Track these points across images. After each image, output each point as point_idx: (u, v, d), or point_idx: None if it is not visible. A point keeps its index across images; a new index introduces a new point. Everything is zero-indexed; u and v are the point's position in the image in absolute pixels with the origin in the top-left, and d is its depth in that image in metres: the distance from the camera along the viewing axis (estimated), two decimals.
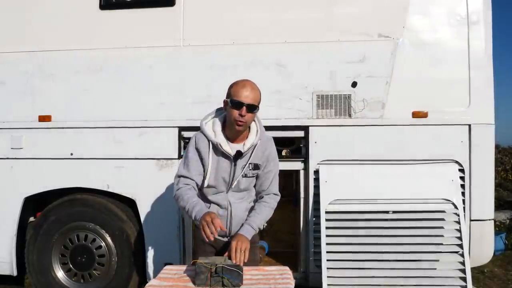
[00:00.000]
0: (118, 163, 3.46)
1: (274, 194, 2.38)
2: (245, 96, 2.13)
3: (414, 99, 3.25)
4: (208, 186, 2.28)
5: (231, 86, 2.22)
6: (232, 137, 2.25)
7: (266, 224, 4.16)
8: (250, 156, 2.25)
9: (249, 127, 2.28)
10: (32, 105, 3.55)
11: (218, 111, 2.33)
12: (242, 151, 2.22)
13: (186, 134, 3.34)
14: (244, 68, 3.32)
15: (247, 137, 2.26)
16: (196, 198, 2.20)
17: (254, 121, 2.28)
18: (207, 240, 2.02)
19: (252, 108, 2.16)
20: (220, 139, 2.22)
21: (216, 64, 3.36)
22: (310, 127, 3.32)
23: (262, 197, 2.37)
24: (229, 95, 2.19)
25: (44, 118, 3.53)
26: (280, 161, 3.27)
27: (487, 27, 3.25)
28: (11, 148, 3.56)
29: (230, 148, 2.22)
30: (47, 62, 3.54)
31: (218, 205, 2.31)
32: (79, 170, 3.50)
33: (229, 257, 2.12)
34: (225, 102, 2.22)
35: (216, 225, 1.99)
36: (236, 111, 2.13)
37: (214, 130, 2.24)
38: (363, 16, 3.30)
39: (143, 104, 3.44)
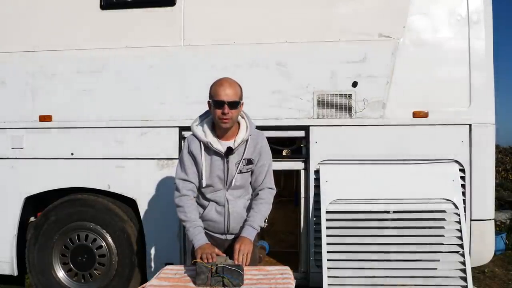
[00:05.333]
0: (119, 163, 3.46)
1: (268, 188, 2.40)
2: (225, 94, 2.18)
3: (415, 99, 3.25)
4: (206, 186, 2.32)
5: (210, 87, 2.27)
6: (222, 136, 2.30)
7: (267, 224, 4.18)
8: (244, 152, 2.30)
9: (239, 124, 2.32)
10: (33, 105, 3.55)
11: (207, 113, 2.38)
12: (233, 147, 2.26)
13: (186, 134, 3.33)
14: (245, 68, 3.32)
15: (237, 134, 2.31)
16: (198, 219, 2.30)
17: (243, 117, 2.34)
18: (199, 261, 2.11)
19: (235, 104, 2.20)
20: (210, 138, 2.28)
21: (216, 64, 3.35)
22: (310, 127, 3.31)
23: (258, 194, 2.39)
24: (210, 95, 2.25)
25: (44, 118, 3.53)
26: (280, 161, 3.33)
27: (487, 27, 3.24)
28: (12, 148, 3.57)
29: (221, 146, 2.27)
30: (47, 62, 3.54)
31: (216, 202, 2.36)
32: (79, 170, 3.50)
33: (232, 258, 2.13)
34: (208, 103, 2.28)
35: (214, 257, 2.11)
36: (219, 110, 2.19)
37: (204, 130, 2.31)
38: (363, 16, 3.30)
39: (144, 104, 3.44)
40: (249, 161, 2.33)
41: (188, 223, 2.27)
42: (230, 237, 2.38)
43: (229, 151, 2.26)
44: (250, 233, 2.27)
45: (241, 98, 2.25)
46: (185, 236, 3.44)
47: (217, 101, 2.18)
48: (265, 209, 2.36)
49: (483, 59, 3.23)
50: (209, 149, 2.29)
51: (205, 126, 2.31)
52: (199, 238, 2.24)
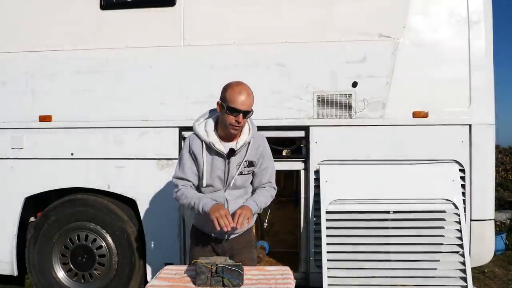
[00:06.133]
0: (119, 163, 3.46)
1: (274, 188, 2.44)
2: (242, 103, 2.15)
3: (415, 99, 3.25)
4: (206, 185, 2.32)
5: (225, 89, 2.23)
6: (224, 136, 2.29)
7: (267, 224, 4.19)
8: (245, 154, 2.30)
9: None
10: (33, 105, 3.55)
11: (211, 112, 2.37)
12: (235, 149, 2.26)
13: (186, 134, 3.33)
14: (244, 68, 3.32)
15: (239, 136, 2.30)
16: (198, 193, 2.30)
17: None
18: (219, 229, 2.11)
19: (248, 114, 2.20)
20: (212, 138, 2.27)
21: (216, 64, 3.36)
22: (310, 127, 3.31)
23: (264, 187, 2.40)
24: (224, 99, 2.20)
25: (44, 118, 3.53)
26: (280, 161, 3.33)
27: (487, 27, 3.24)
28: (12, 148, 3.56)
29: (223, 147, 2.27)
30: (47, 62, 3.54)
31: (216, 202, 2.33)
32: (79, 170, 3.50)
33: (231, 259, 2.12)
34: (219, 104, 2.25)
35: (230, 218, 2.11)
36: (232, 117, 2.17)
37: (207, 130, 2.29)
38: (363, 16, 3.30)
39: (144, 104, 3.44)
40: (251, 163, 2.33)
41: (192, 199, 2.25)
42: (228, 237, 2.38)
43: (231, 152, 2.26)
44: (252, 205, 2.26)
45: (252, 105, 2.23)
46: (185, 236, 3.44)
47: (233, 108, 2.15)
48: (267, 199, 2.37)
49: (483, 59, 3.23)
50: (210, 149, 2.28)
51: (208, 126, 2.30)
52: (205, 203, 2.20)
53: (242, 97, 2.15)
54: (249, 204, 2.27)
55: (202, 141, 2.29)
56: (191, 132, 2.37)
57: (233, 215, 2.17)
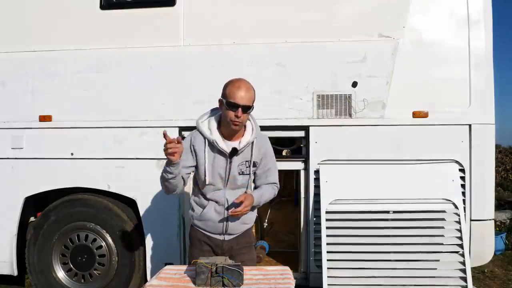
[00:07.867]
0: (119, 163, 3.46)
1: (277, 187, 2.48)
2: (241, 97, 2.16)
3: (415, 99, 3.25)
4: (208, 184, 2.31)
5: (226, 86, 2.24)
6: (227, 135, 2.29)
7: (266, 224, 4.18)
8: (250, 155, 2.30)
9: (245, 125, 2.32)
10: (33, 105, 3.55)
11: (214, 111, 2.37)
12: (238, 148, 2.25)
13: (186, 134, 3.33)
14: (244, 68, 3.32)
15: (242, 135, 2.31)
16: None
17: (249, 119, 2.33)
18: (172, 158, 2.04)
19: (247, 109, 2.20)
20: (215, 136, 2.27)
21: (216, 64, 3.36)
22: (310, 127, 3.32)
23: (270, 184, 2.44)
24: (224, 95, 2.22)
25: (44, 118, 3.53)
26: (280, 161, 3.32)
27: (487, 27, 3.24)
28: (12, 148, 3.57)
29: (226, 145, 2.27)
30: (47, 62, 3.54)
31: (216, 202, 2.35)
32: (79, 170, 3.50)
33: (231, 259, 2.13)
34: (220, 101, 2.26)
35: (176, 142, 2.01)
36: (232, 112, 2.18)
37: (210, 128, 2.30)
38: (363, 16, 3.30)
39: (143, 104, 3.44)
40: (253, 164, 2.34)
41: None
42: (228, 237, 2.38)
43: (234, 152, 2.26)
44: (256, 196, 2.31)
45: (254, 102, 2.24)
46: (185, 236, 3.44)
47: (232, 103, 2.16)
48: (271, 193, 2.42)
49: (483, 59, 3.23)
50: (213, 147, 2.29)
51: (211, 124, 2.31)
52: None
53: (241, 92, 2.17)
54: (254, 194, 2.31)
55: (205, 138, 2.29)
56: (193, 130, 2.36)
57: (234, 205, 2.23)
